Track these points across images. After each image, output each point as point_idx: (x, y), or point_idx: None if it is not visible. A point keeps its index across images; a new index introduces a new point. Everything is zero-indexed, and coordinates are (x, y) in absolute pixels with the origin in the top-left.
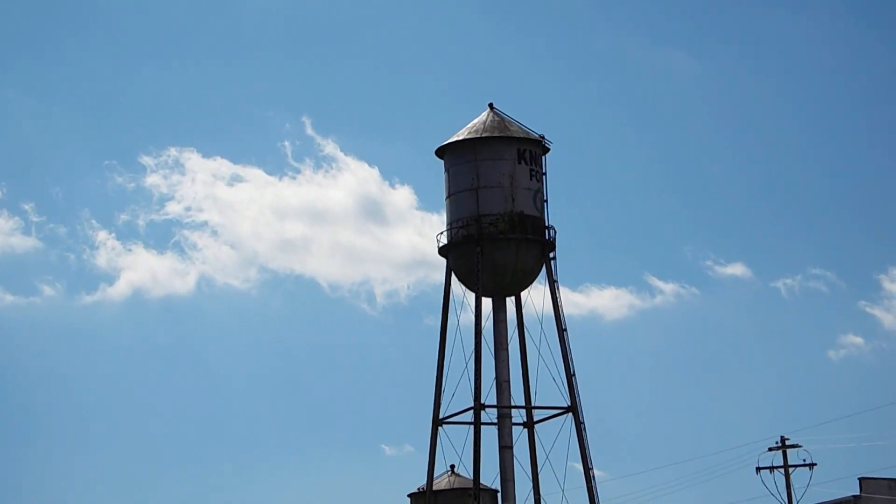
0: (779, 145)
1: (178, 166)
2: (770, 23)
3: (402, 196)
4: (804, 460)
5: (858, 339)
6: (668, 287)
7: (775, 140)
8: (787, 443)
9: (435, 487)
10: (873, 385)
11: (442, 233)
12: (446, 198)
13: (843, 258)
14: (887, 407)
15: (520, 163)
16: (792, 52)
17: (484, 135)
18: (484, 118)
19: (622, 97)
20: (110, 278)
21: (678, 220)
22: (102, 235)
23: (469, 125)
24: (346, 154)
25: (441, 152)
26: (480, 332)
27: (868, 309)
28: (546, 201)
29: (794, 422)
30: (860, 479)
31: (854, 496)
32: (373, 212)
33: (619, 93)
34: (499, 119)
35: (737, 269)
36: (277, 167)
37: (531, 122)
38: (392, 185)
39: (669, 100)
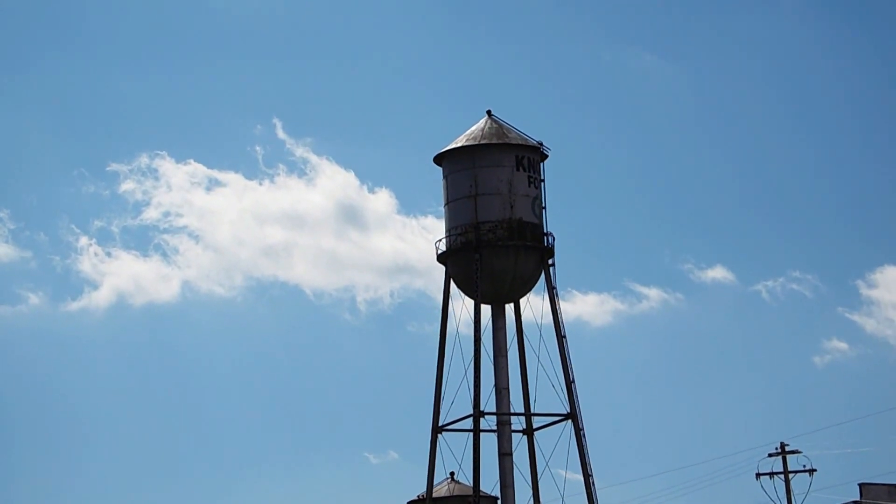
0: (760, 150)
1: (151, 172)
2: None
3: (382, 200)
4: (804, 466)
5: (843, 345)
6: (652, 292)
7: (757, 144)
8: (787, 449)
9: (435, 495)
10: (865, 390)
11: (440, 240)
12: (444, 205)
13: (822, 261)
14: (886, 413)
15: (518, 169)
16: (780, 60)
17: (482, 142)
18: (482, 125)
19: (618, 104)
20: (94, 284)
21: (659, 224)
22: (84, 241)
23: (467, 132)
24: (320, 157)
25: (439, 159)
26: (479, 339)
27: (847, 315)
28: (545, 208)
29: (791, 427)
30: (860, 485)
31: (854, 502)
32: (352, 217)
33: (616, 100)
34: (497, 126)
35: (717, 273)
36: (252, 171)
37: (529, 128)
38: (371, 190)
39: (657, 106)
